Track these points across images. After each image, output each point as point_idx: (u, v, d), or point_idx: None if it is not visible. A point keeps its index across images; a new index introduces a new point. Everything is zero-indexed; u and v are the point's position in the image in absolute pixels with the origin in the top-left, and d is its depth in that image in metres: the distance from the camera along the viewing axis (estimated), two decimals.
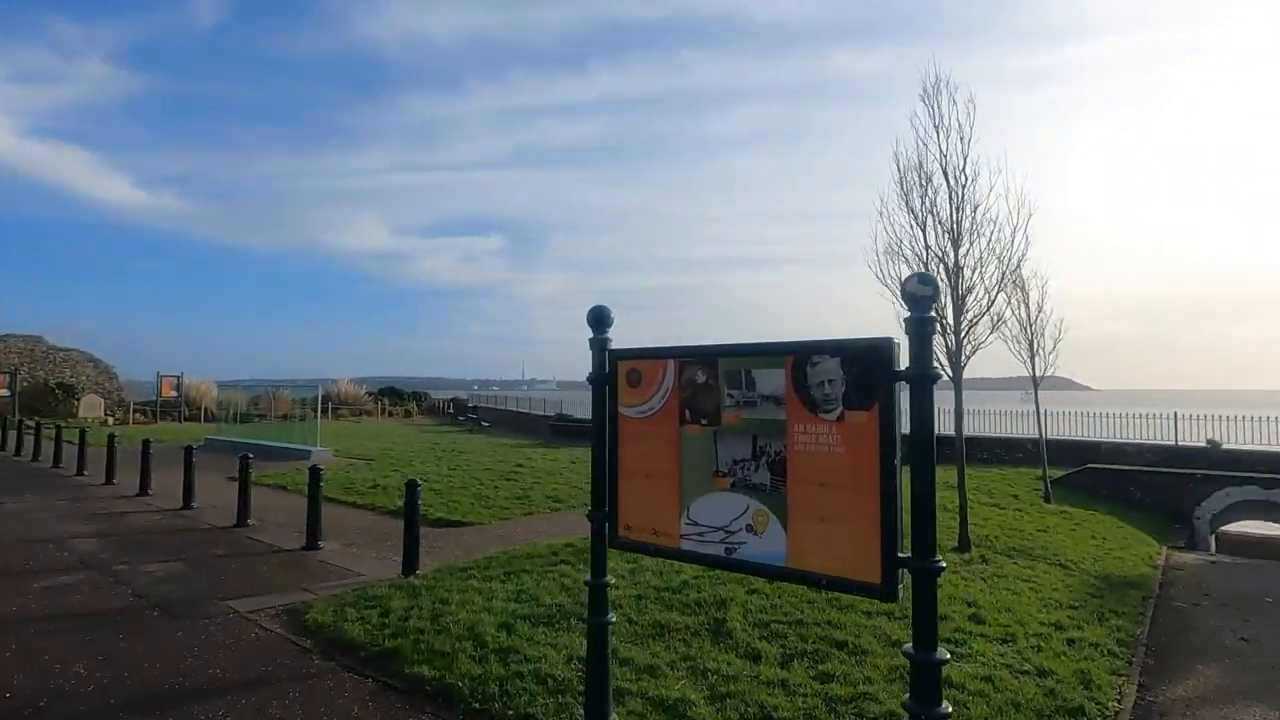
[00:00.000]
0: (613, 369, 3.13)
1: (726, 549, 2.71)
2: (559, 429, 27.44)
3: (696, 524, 2.81)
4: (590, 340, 3.20)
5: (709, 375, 2.80)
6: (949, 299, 7.44)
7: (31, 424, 19.98)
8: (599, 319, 3.18)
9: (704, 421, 2.80)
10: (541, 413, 33.18)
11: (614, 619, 3.25)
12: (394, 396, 46.42)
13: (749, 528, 2.65)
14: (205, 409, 32.97)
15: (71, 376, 32.69)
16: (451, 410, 44.22)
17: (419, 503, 6.62)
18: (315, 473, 7.88)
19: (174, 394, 32.67)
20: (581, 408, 33.28)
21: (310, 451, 16.88)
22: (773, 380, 2.61)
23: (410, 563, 6.42)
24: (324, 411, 26.93)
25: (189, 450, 10.82)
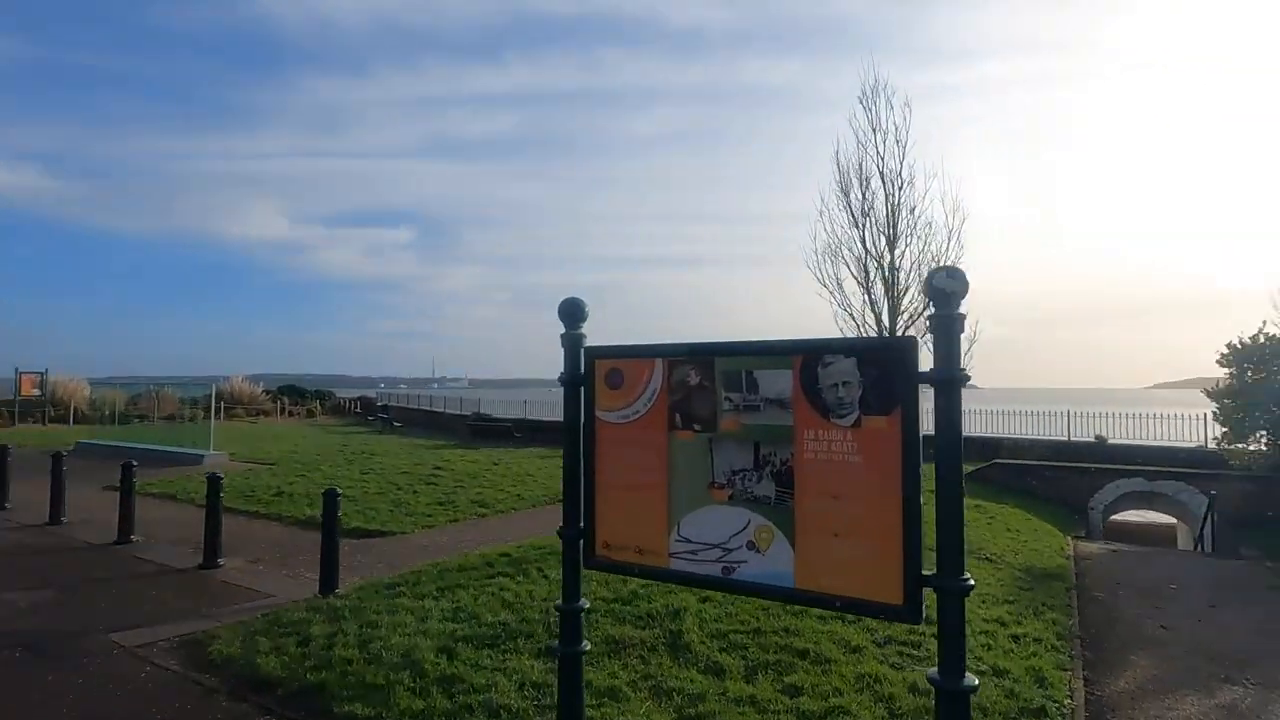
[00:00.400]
0: (589, 369, 2.80)
1: (724, 569, 2.45)
2: (477, 429, 26.52)
3: (689, 541, 2.53)
4: (562, 336, 2.86)
5: (703, 376, 2.53)
6: (885, 300, 7.52)
7: None
8: (572, 312, 2.85)
9: (697, 428, 2.53)
10: (457, 411, 32.04)
11: (588, 647, 2.92)
12: (295, 395, 43.70)
13: (751, 545, 2.40)
14: (75, 409, 29.80)
15: None
16: (359, 410, 42.08)
17: (336, 515, 6.01)
18: (214, 480, 7.06)
19: (36, 392, 29.28)
20: (497, 406, 32.37)
21: (203, 456, 15.46)
22: (778, 382, 2.37)
23: (329, 580, 5.82)
24: (216, 412, 24.85)
25: (58, 456, 9.55)
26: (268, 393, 41.16)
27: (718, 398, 2.49)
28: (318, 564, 6.45)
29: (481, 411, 30.25)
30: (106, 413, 30.65)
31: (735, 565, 2.43)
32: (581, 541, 2.80)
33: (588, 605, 2.97)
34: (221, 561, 6.86)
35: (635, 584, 5.61)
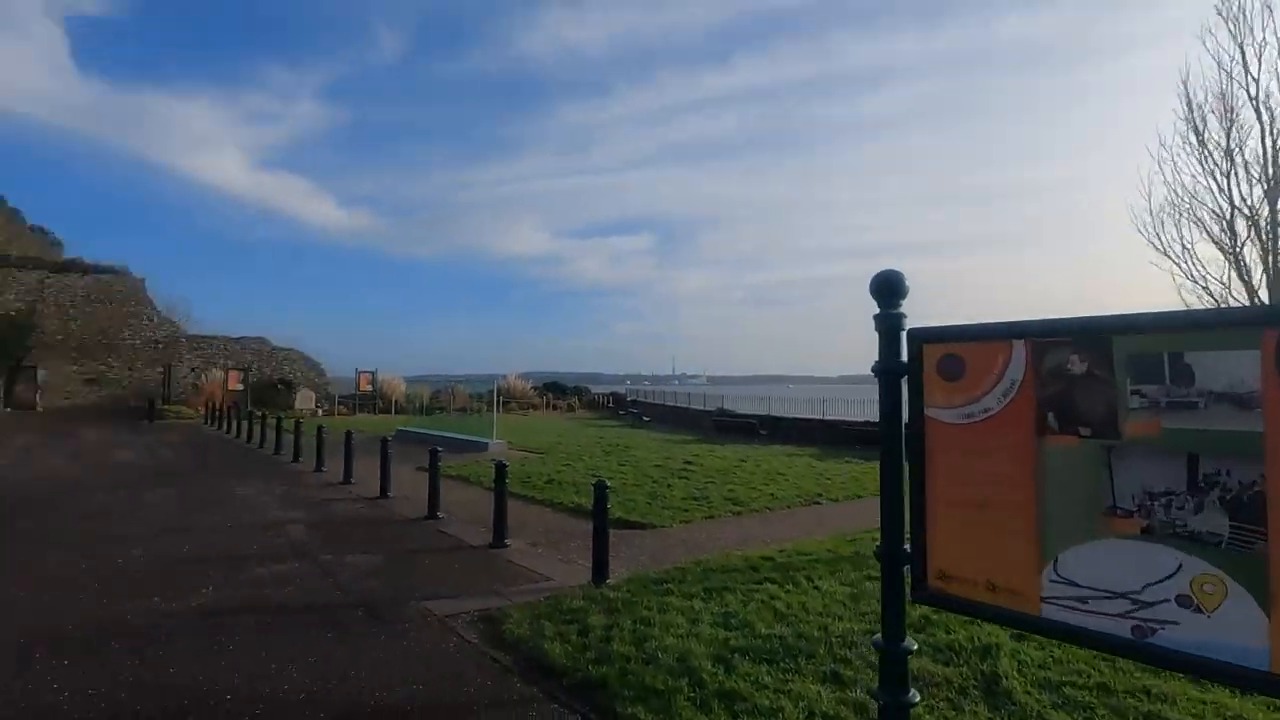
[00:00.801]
0: (916, 355, 2.28)
1: (1136, 628, 1.77)
2: (721, 425, 26.70)
3: (1074, 584, 1.89)
4: (877, 317, 2.37)
5: (1093, 362, 1.87)
6: (1265, 266, 5.70)
7: (259, 415, 22.73)
8: (890, 287, 2.34)
9: (1084, 432, 1.88)
10: (701, 407, 32.67)
11: (917, 699, 2.40)
12: (557, 391, 48.25)
13: (1184, 600, 1.70)
14: (395, 402, 36.08)
15: (289, 373, 37.16)
16: (611, 404, 45.06)
17: (606, 507, 6.13)
18: (501, 469, 7.73)
19: (369, 388, 36.04)
20: (739, 403, 32.37)
21: (487, 444, 17.49)
22: (1233, 368, 1.63)
23: (601, 569, 5.97)
24: (496, 406, 28.42)
25: (384, 442, 11.36)
26: (535, 389, 46.04)
27: (1119, 391, 1.82)
28: (588, 551, 6.68)
29: (725, 407, 30.44)
30: (417, 405, 36.68)
31: (1156, 626, 1.74)
32: (907, 567, 2.30)
33: (915, 646, 2.45)
34: (508, 542, 7.48)
35: (923, 607, 4.87)
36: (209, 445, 18.47)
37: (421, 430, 21.22)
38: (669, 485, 11.58)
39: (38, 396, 31.61)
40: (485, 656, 4.37)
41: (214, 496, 10.31)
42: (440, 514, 9.03)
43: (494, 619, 5.03)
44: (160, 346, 34.88)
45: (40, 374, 31.85)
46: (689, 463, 14.72)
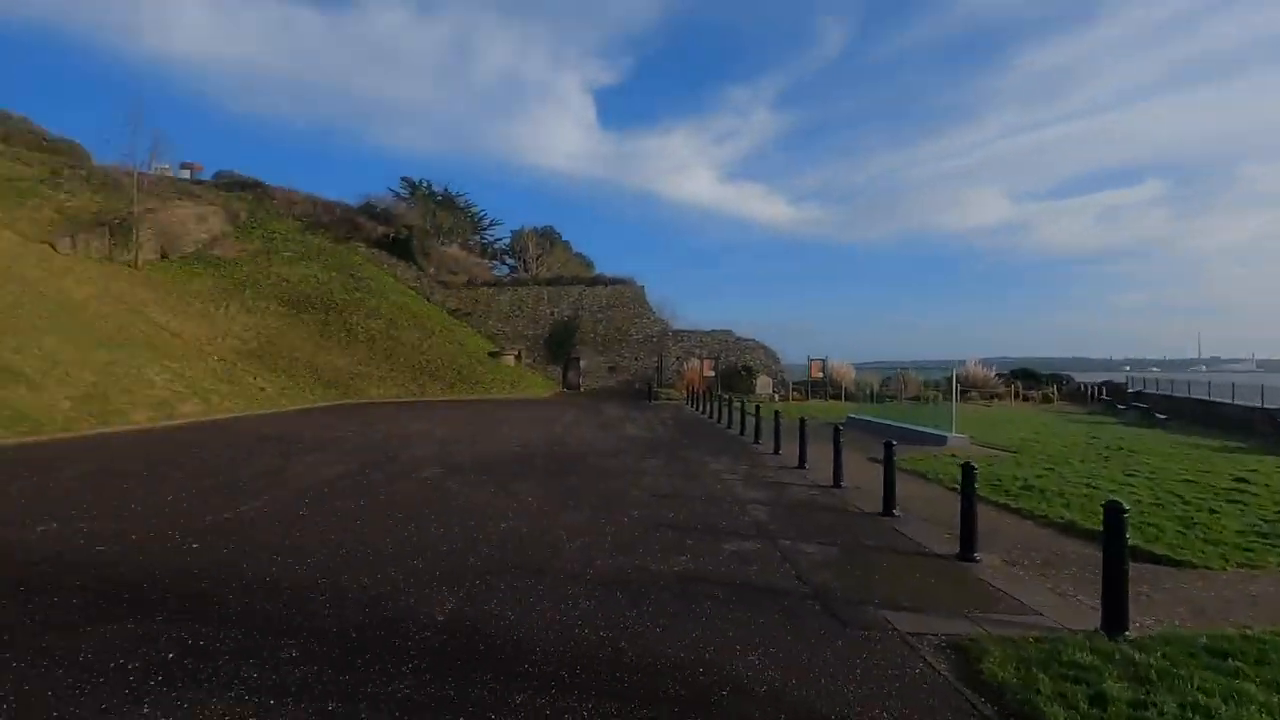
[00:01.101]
0: None
1: None
2: None
3: None
4: None
5: None
6: None
7: (726, 398, 25.62)
8: None
9: None
10: (1249, 403, 23.99)
11: None
12: (1028, 379, 41.80)
13: None
14: (844, 389, 36.38)
15: (750, 360, 40.95)
16: (1104, 396, 36.91)
17: (1125, 535, 4.68)
18: (968, 470, 6.74)
19: (820, 375, 37.14)
20: None
21: (945, 437, 16.00)
22: None
23: (1117, 617, 4.59)
24: (954, 395, 25.98)
25: (837, 430, 11.30)
26: (1000, 376, 40.78)
27: None
28: (1085, 582, 5.32)
29: None
30: (866, 392, 36.29)
31: None
32: None
33: None
34: (978, 556, 6.50)
35: None
36: (688, 424, 21.51)
37: (872, 419, 20.75)
38: (1212, 510, 8.59)
39: (580, 380, 41.88)
40: (961, 698, 3.71)
41: (692, 470, 11.79)
42: (896, 511, 8.45)
43: (967, 650, 4.30)
44: (654, 340, 42.38)
45: (582, 363, 42.12)
46: (1242, 480, 10.77)
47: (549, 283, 45.40)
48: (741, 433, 18.13)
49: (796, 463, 12.45)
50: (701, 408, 27.99)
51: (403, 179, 59.31)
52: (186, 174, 48.77)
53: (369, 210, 48.42)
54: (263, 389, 24.46)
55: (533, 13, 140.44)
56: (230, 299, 32.70)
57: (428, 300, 42.57)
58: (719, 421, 22.11)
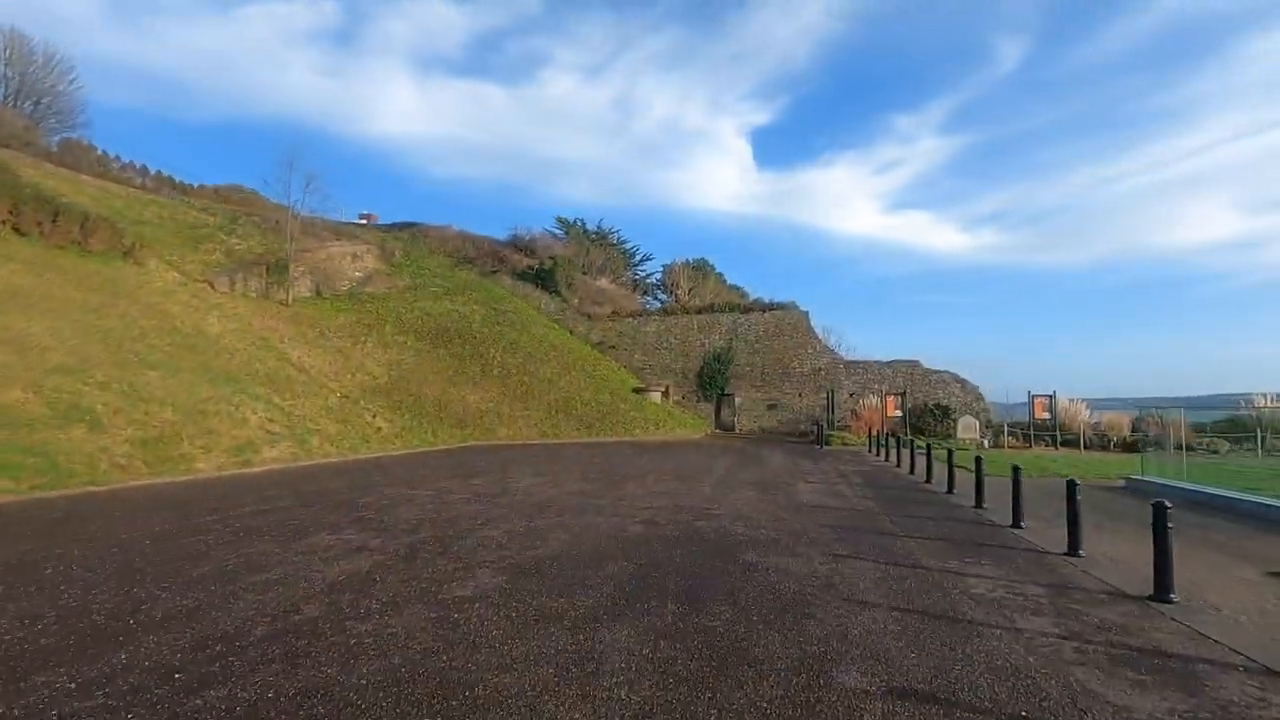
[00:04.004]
0: None
1: None
2: None
3: None
4: None
5: None
6: None
7: (919, 443, 19.34)
8: None
9: None
10: None
11: None
12: None
13: None
14: (1081, 434, 27.95)
15: (943, 397, 33.47)
16: None
17: None
18: None
19: (1045, 415, 28.97)
20: None
21: None
22: None
23: None
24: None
25: (1161, 510, 5.31)
26: None
27: None
28: None
29: None
30: (1111, 440, 27.62)
31: None
32: None
33: None
34: None
35: None
36: (883, 482, 15.62)
37: (1189, 486, 13.58)
38: None
39: (735, 419, 36.65)
40: None
41: (944, 596, 6.30)
42: None
43: None
44: (821, 373, 36.25)
45: (737, 400, 36.94)
46: None
47: (699, 311, 40.98)
48: (950, 491, 12.13)
49: (1146, 588, 6.49)
50: (889, 455, 21.69)
51: (558, 219, 58.49)
52: (362, 220, 50.84)
53: (515, 242, 47.31)
54: (379, 429, 22.03)
55: (690, 66, 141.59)
56: (369, 334, 31.66)
57: (570, 333, 39.80)
58: (923, 479, 15.93)
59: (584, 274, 48.42)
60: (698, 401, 37.52)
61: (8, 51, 43.18)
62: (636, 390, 36.02)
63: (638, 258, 61.37)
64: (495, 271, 43.92)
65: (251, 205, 42.96)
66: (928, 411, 32.11)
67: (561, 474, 15.50)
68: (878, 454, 23.61)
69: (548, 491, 12.59)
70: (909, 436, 24.86)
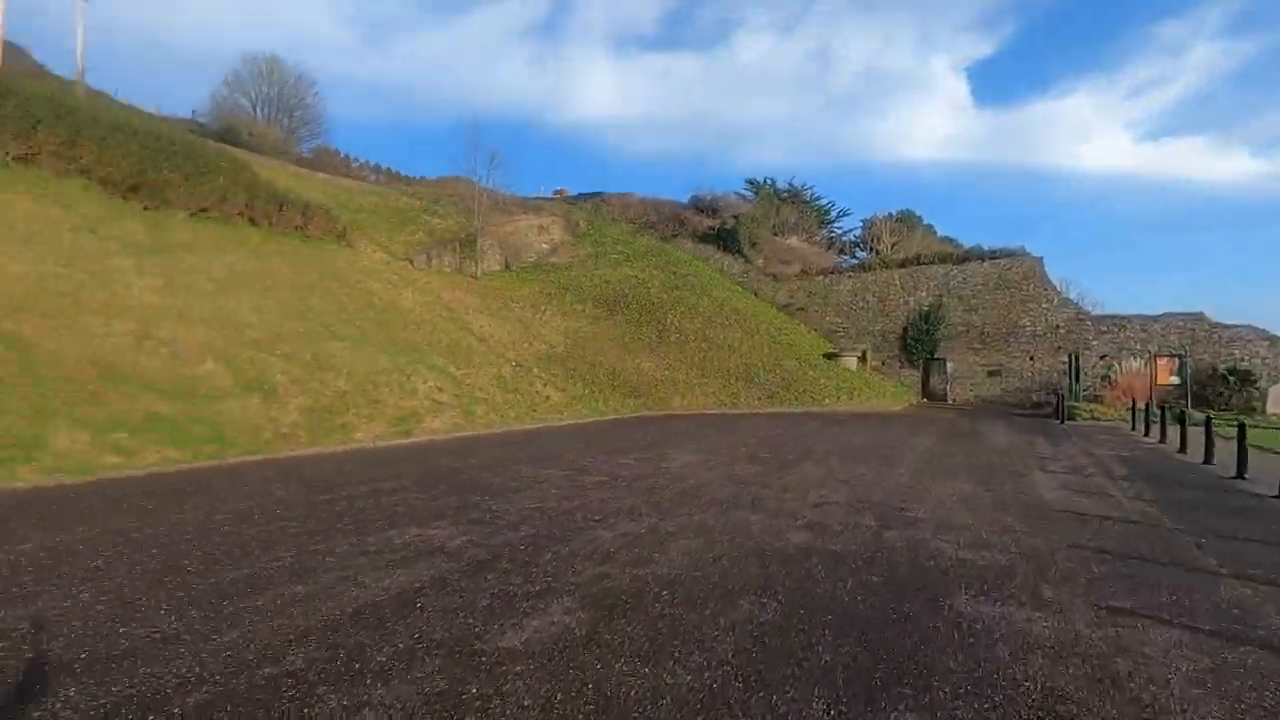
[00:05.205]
0: None
1: None
2: None
3: None
4: None
5: None
6: None
7: (1220, 422, 14.15)
8: None
9: None
10: None
11: None
12: None
13: None
14: None
15: (1244, 359, 25.70)
16: None
17: None
18: None
19: None
20: None
21: None
22: None
23: None
24: None
25: None
26: None
27: None
28: None
29: None
30: None
31: None
32: None
33: None
34: None
35: None
36: (1162, 473, 11.36)
37: None
38: None
39: (947, 388, 31.67)
40: None
41: None
42: None
43: None
44: (1061, 332, 29.85)
45: (949, 366, 31.87)
46: None
47: (902, 265, 35.95)
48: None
49: None
50: (1165, 435, 16.51)
51: (747, 180, 55.52)
52: (555, 195, 52.27)
53: (697, 204, 45.34)
54: (548, 398, 21.53)
55: (894, 4, 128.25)
56: (550, 303, 31.80)
57: (754, 295, 37.11)
58: (1229, 472, 11.27)
59: (774, 234, 45.17)
60: (900, 367, 33.03)
61: (270, 76, 49.96)
62: (828, 355, 32.51)
63: (833, 214, 56.42)
64: (675, 235, 42.40)
65: (452, 188, 45.75)
66: (1218, 378, 24.85)
67: (727, 451, 13.36)
68: (1146, 432, 18.27)
69: (701, 475, 10.55)
70: (1186, 409, 19.02)
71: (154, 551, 6.05)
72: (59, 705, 3.38)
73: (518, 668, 3.87)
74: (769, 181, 54.89)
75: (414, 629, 4.40)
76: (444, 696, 3.54)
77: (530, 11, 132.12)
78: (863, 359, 33.16)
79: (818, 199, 55.71)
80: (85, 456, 10.03)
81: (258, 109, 49.06)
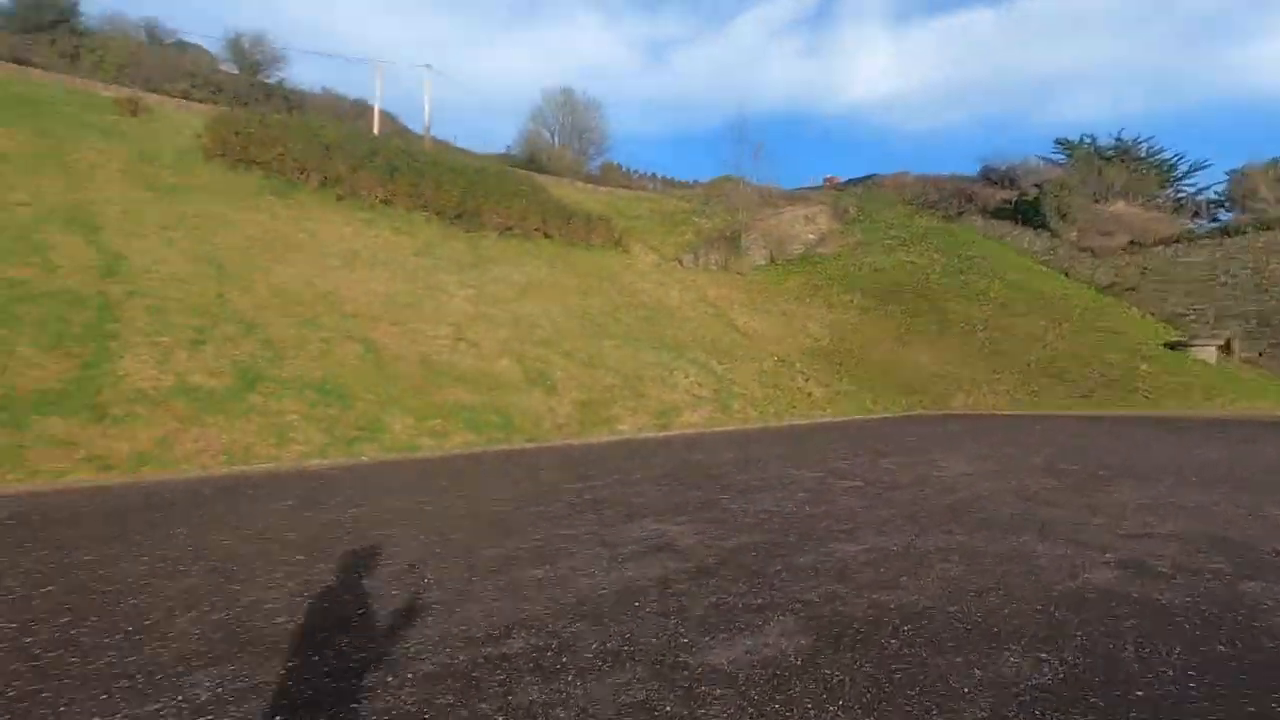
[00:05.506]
0: None
1: None
2: None
3: None
4: None
5: None
6: None
7: None
8: None
9: None
10: None
11: None
12: None
13: None
14: None
15: None
16: None
17: None
18: None
19: None
20: None
21: None
22: None
23: None
24: None
25: None
26: None
27: None
28: None
29: None
30: None
31: None
32: None
33: None
34: None
35: None
36: None
37: None
38: None
39: None
40: None
41: None
42: None
43: None
44: None
45: None
46: None
47: None
48: None
49: None
50: None
51: (1056, 141, 47.68)
52: (824, 183, 50.70)
53: (988, 174, 39.94)
54: (809, 394, 20.67)
55: None
56: (815, 295, 30.64)
57: (1064, 276, 31.49)
58: None
59: (1094, 200, 37.85)
60: None
61: (564, 106, 56.59)
62: (1170, 345, 26.15)
63: (1180, 169, 45.46)
64: (961, 213, 37.86)
65: (720, 189, 46.80)
66: None
67: (1016, 460, 11.36)
68: None
69: (978, 486, 9.07)
70: None
71: (436, 524, 6.99)
72: (331, 655, 3.97)
73: (718, 690, 3.56)
74: (1087, 139, 46.11)
75: (626, 630, 4.35)
76: (637, 709, 3.38)
77: (800, 4, 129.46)
78: (1225, 349, 26.00)
79: (1157, 153, 45.27)
80: (410, 438, 12.19)
81: (554, 136, 55.73)
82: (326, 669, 3.79)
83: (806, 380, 21.58)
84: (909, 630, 4.35)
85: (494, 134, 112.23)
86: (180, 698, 3.46)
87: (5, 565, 5.57)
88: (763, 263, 36.31)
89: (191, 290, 14.24)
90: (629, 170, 53.91)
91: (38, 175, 16.57)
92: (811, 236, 39.06)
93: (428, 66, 48.96)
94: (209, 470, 10.01)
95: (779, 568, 5.62)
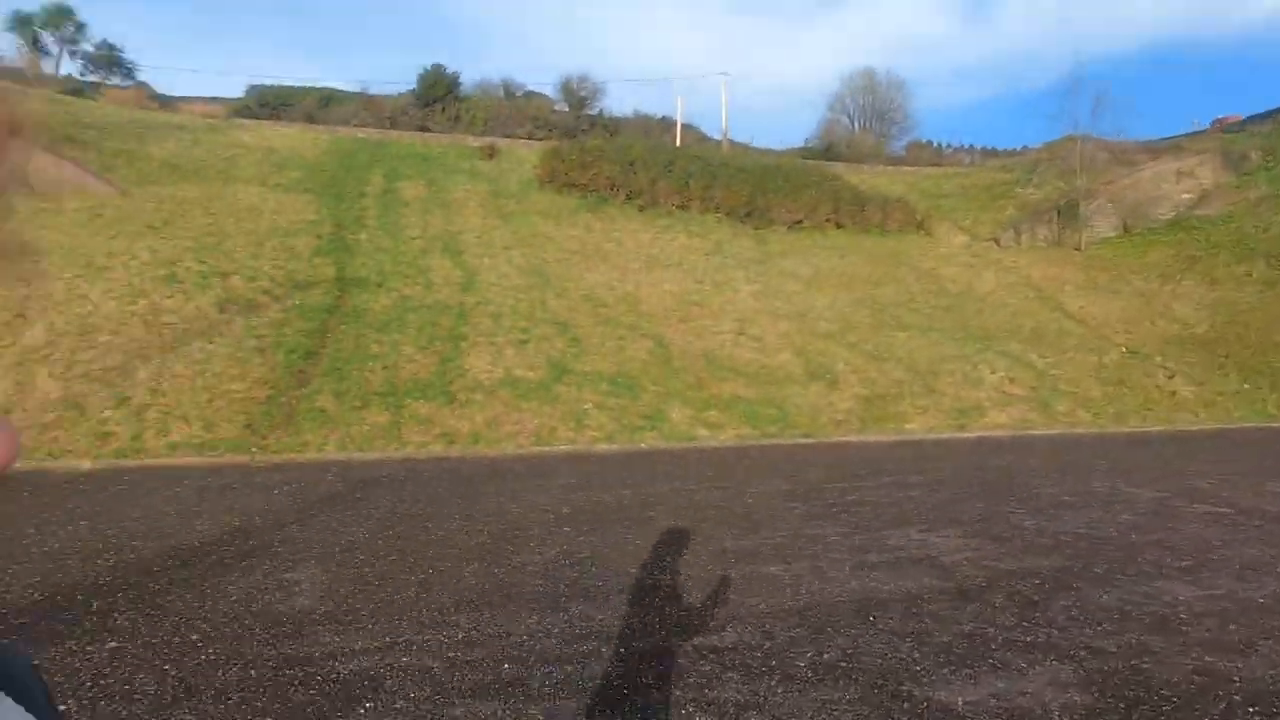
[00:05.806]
0: None
1: None
2: None
3: None
4: None
5: None
6: None
7: None
8: None
9: None
10: None
11: None
12: None
13: None
14: None
15: None
16: None
17: None
18: None
19: None
20: None
21: None
22: None
23: None
24: None
25: None
26: None
27: None
28: None
29: None
30: None
31: None
32: None
33: None
34: None
35: None
36: None
37: None
38: None
39: None
40: None
41: None
42: None
43: None
44: None
45: None
46: None
47: None
48: None
49: None
50: None
51: None
52: (1208, 127, 40.09)
53: None
54: (1173, 393, 16.36)
55: None
56: (1189, 269, 24.20)
57: None
58: None
59: None
60: None
61: (865, 88, 54.03)
62: None
63: None
64: None
65: (1053, 152, 39.81)
66: None
67: None
68: None
69: None
70: None
71: (691, 512, 7.22)
72: (563, 619, 4.35)
73: None
74: None
75: (854, 644, 3.97)
76: None
77: None
78: None
79: None
80: (687, 429, 12.77)
81: (854, 122, 53.31)
82: (556, 630, 4.18)
83: (1170, 377, 17.09)
84: (1254, 712, 3.19)
85: (793, 128, 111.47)
86: (443, 635, 4.14)
87: (365, 513, 7.28)
88: (1111, 234, 29.87)
89: (521, 298, 16.90)
90: (939, 145, 49.15)
91: (427, 214, 21.31)
92: (1187, 195, 30.89)
93: (724, 74, 50.71)
94: (522, 449, 11.78)
95: (1069, 602, 4.58)
